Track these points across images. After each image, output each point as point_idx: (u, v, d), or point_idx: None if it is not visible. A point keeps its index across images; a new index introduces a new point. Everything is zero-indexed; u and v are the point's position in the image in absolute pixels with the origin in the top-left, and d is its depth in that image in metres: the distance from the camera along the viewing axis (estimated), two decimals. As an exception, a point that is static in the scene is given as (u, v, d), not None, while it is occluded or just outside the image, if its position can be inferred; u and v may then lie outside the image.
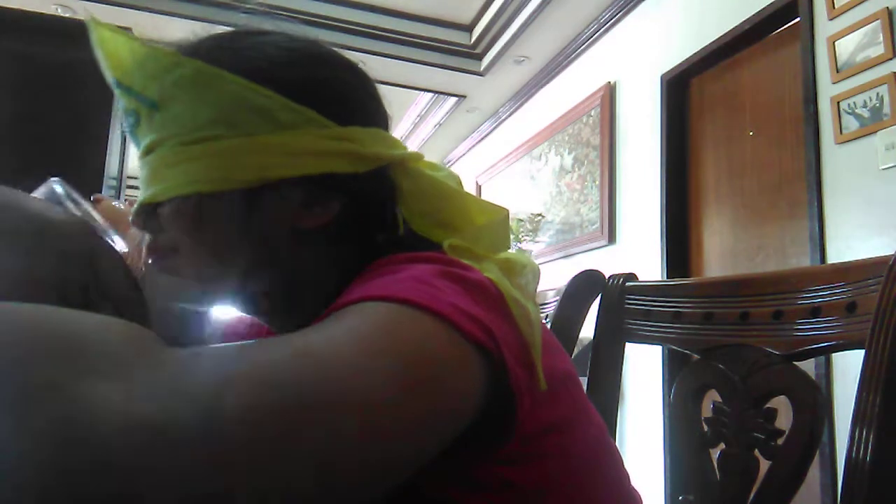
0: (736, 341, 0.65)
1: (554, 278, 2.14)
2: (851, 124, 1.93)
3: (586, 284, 0.86)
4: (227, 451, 0.25)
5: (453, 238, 0.46)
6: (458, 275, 0.40)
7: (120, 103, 0.46)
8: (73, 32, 2.58)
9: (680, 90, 2.81)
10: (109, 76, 0.46)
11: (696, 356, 0.70)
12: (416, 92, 4.65)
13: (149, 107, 0.44)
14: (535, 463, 0.42)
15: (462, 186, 0.51)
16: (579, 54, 3.58)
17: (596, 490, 0.47)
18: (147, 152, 0.45)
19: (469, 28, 3.95)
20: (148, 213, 0.47)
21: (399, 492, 0.34)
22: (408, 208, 0.48)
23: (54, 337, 0.26)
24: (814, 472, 1.86)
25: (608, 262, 3.08)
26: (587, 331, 0.84)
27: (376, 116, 0.50)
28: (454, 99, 4.54)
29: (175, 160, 0.44)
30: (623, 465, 0.52)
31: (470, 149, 5.25)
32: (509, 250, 0.50)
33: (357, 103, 0.49)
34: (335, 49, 0.51)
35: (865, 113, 1.89)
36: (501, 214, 0.50)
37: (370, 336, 0.33)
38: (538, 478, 0.42)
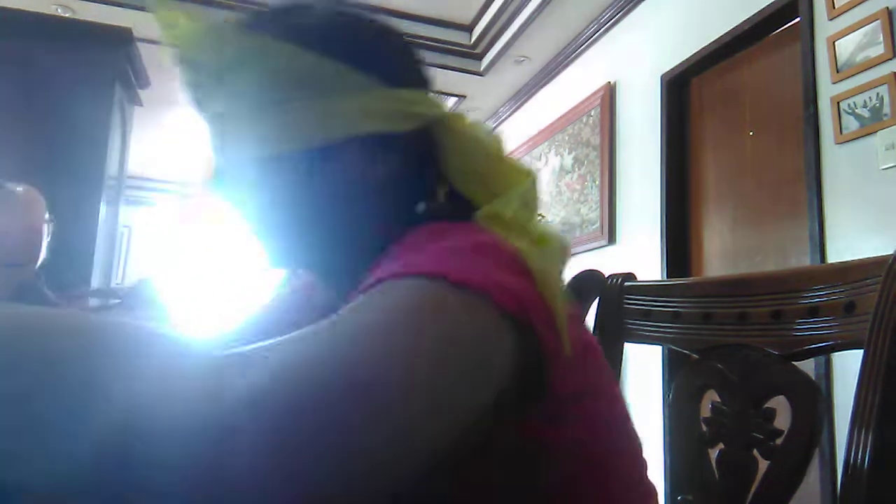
0: (735, 341, 0.65)
1: (554, 278, 2.13)
2: (851, 124, 1.93)
3: (585, 284, 0.86)
4: (278, 440, 0.27)
5: (489, 202, 0.48)
6: (489, 246, 0.41)
7: (182, 76, 0.49)
8: (73, 32, 2.59)
9: (680, 90, 2.81)
10: (172, 51, 0.48)
11: (695, 356, 0.70)
12: (416, 92, 4.65)
13: (214, 78, 0.47)
14: (567, 426, 0.44)
15: (502, 147, 0.52)
16: (579, 54, 3.58)
17: (621, 458, 0.49)
18: (214, 120, 0.49)
19: (469, 28, 3.95)
20: (220, 176, 0.50)
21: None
22: (450, 167, 0.50)
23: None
24: (814, 472, 1.86)
25: (608, 262, 3.08)
26: (586, 331, 0.84)
27: (420, 79, 0.53)
28: (454, 99, 4.54)
29: (242, 126, 0.47)
30: (642, 451, 0.53)
31: (470, 149, 5.25)
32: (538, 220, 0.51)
33: (403, 67, 0.52)
34: (379, 17, 0.54)
35: (865, 113, 1.89)
36: (530, 177, 0.51)
37: (408, 315, 0.34)
38: (569, 440, 0.44)
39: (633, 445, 0.52)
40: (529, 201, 0.50)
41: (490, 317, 0.36)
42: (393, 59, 0.51)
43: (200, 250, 7.43)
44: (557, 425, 0.43)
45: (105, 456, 0.27)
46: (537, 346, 0.38)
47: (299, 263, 0.55)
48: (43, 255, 1.59)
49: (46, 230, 1.59)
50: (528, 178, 0.51)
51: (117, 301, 1.20)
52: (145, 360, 0.29)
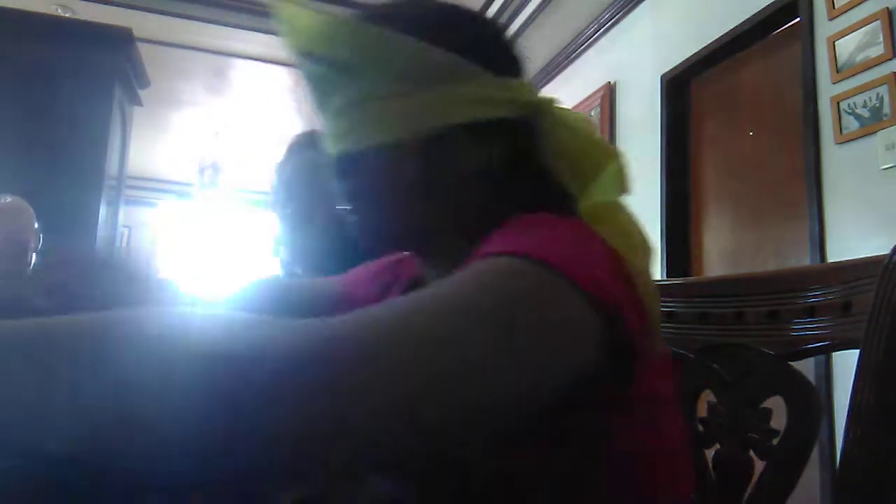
0: (731, 341, 0.65)
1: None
2: (851, 124, 1.92)
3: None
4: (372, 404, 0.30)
5: (583, 185, 0.51)
6: (591, 242, 0.44)
7: (304, 70, 0.52)
8: (73, 32, 2.59)
9: (680, 90, 2.81)
10: (294, 47, 0.51)
11: (690, 356, 0.69)
12: (417, 92, 4.65)
13: (336, 71, 0.49)
14: (640, 428, 0.46)
15: (594, 129, 0.54)
16: (579, 54, 3.58)
17: (675, 468, 0.50)
18: (335, 111, 0.51)
19: (469, 28, 3.95)
20: (339, 164, 0.53)
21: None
22: (547, 152, 0.52)
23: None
24: (813, 472, 1.86)
25: (608, 263, 3.07)
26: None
27: (518, 67, 0.56)
28: (454, 99, 4.54)
29: (362, 116, 0.49)
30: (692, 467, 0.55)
31: (470, 149, 5.25)
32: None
33: (506, 57, 0.55)
34: (483, 14, 0.57)
35: (865, 113, 1.88)
36: (618, 157, 0.52)
37: (496, 280, 0.37)
38: (635, 441, 0.46)
39: (688, 458, 0.53)
40: (622, 178, 0.51)
41: (579, 306, 0.38)
42: (494, 47, 0.54)
43: (204, 250, 7.42)
44: (629, 423, 0.45)
45: (99, 447, 0.27)
46: (626, 346, 0.40)
47: (402, 244, 0.57)
48: (33, 263, 1.59)
49: (35, 240, 1.59)
50: (616, 159, 0.52)
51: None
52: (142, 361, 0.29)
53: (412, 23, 0.50)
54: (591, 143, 0.52)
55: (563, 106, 0.54)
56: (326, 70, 0.50)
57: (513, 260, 0.39)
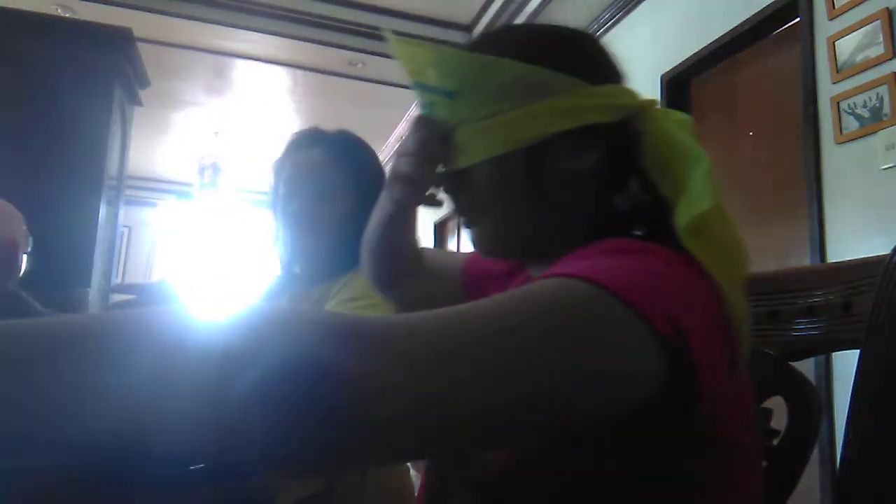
0: (732, 341, 0.65)
1: (553, 278, 2.13)
2: (851, 124, 1.92)
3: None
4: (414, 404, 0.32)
5: (676, 189, 0.51)
6: (664, 268, 0.44)
7: (418, 98, 0.57)
8: (73, 32, 2.59)
9: (680, 90, 2.81)
10: (409, 78, 0.57)
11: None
12: (417, 92, 4.65)
13: (446, 97, 0.54)
14: (709, 474, 0.45)
15: (687, 131, 0.55)
16: (579, 54, 3.58)
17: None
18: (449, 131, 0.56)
19: (469, 28, 3.95)
20: (453, 179, 0.57)
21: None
22: (645, 157, 0.54)
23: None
24: (813, 472, 1.86)
25: (608, 262, 3.07)
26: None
27: (617, 74, 0.58)
28: (454, 99, 4.54)
29: (473, 134, 0.54)
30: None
31: (470, 149, 5.25)
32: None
33: (602, 66, 0.58)
34: (574, 28, 0.61)
35: (865, 113, 1.89)
36: (707, 161, 0.52)
37: (549, 303, 0.38)
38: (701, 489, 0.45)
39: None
40: (712, 182, 0.51)
41: (633, 332, 0.38)
42: (589, 59, 0.57)
43: (204, 250, 7.41)
44: (695, 464, 0.44)
45: (102, 447, 0.28)
46: (689, 381, 0.39)
47: (517, 253, 0.60)
48: (24, 266, 1.59)
49: (25, 242, 1.59)
50: (703, 162, 0.52)
51: (132, 297, 1.19)
52: (141, 358, 0.29)
53: (512, 46, 0.55)
54: (681, 147, 0.53)
55: (664, 109, 0.57)
56: (435, 97, 0.55)
57: (569, 281, 0.40)
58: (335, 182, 1.13)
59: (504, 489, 0.48)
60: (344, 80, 4.37)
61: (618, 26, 3.25)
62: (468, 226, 0.58)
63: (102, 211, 2.47)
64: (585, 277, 0.39)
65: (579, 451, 0.45)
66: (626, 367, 0.38)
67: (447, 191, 0.59)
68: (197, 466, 0.31)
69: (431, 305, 0.36)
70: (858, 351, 0.52)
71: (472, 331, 0.35)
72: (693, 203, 0.48)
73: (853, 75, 1.93)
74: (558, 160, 0.53)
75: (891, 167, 1.81)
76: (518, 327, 0.36)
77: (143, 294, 1.16)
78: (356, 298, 1.02)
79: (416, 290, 0.77)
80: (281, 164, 1.18)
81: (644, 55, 3.00)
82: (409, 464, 1.24)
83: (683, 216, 0.48)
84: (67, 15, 3.43)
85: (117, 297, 1.61)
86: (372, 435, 0.31)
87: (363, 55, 3.97)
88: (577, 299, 0.38)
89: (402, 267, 0.76)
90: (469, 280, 0.75)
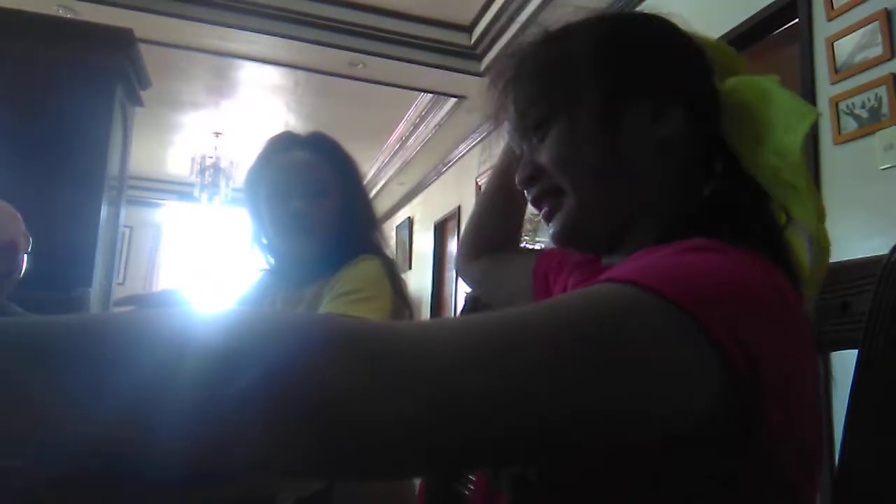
0: (731, 341, 0.65)
1: (553, 278, 2.13)
2: (850, 125, 1.93)
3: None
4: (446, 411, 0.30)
5: (764, 159, 0.49)
6: (752, 286, 0.39)
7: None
8: (74, 33, 2.59)
9: (680, 91, 2.81)
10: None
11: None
12: (416, 92, 4.66)
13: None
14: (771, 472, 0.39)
15: (780, 86, 0.53)
16: (579, 55, 3.57)
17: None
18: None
19: (469, 29, 3.95)
20: (530, 141, 0.56)
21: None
22: (734, 132, 0.52)
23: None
24: (813, 472, 1.86)
25: (608, 263, 3.07)
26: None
27: (696, 51, 0.59)
28: (454, 99, 4.54)
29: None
30: None
31: (470, 149, 5.25)
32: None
33: (680, 44, 0.59)
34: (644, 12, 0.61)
35: (864, 113, 1.89)
36: (811, 117, 0.50)
37: (584, 310, 0.35)
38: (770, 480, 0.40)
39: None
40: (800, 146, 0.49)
41: (689, 345, 0.33)
42: (665, 42, 0.57)
43: (205, 250, 7.41)
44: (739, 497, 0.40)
45: (104, 448, 0.27)
46: (759, 405, 0.35)
47: (587, 236, 0.56)
48: (24, 267, 1.59)
49: (25, 243, 1.59)
50: (809, 119, 0.49)
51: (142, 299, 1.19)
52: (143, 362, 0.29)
53: (593, 35, 0.55)
54: (779, 105, 0.51)
55: (752, 76, 0.55)
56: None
57: (619, 287, 0.36)
58: (327, 181, 1.14)
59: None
60: (344, 80, 4.37)
61: (618, 27, 3.25)
62: (548, 216, 0.56)
63: (104, 211, 2.47)
64: (646, 285, 0.35)
65: (612, 475, 0.41)
66: (680, 382, 0.34)
67: (523, 170, 0.56)
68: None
69: (499, 288, 0.35)
70: (857, 351, 0.53)
71: (496, 338, 0.32)
72: (782, 176, 0.48)
73: (852, 76, 1.93)
74: (636, 123, 0.52)
75: (889, 167, 1.81)
76: (543, 336, 0.32)
77: (151, 303, 1.16)
78: (350, 292, 1.03)
79: (493, 268, 0.77)
80: (261, 167, 1.18)
81: (644, 56, 3.00)
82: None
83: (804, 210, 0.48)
84: (69, 16, 3.44)
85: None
86: (370, 445, 0.29)
87: (363, 56, 3.97)
88: (622, 309, 0.34)
89: (499, 237, 0.77)
90: (539, 270, 0.71)
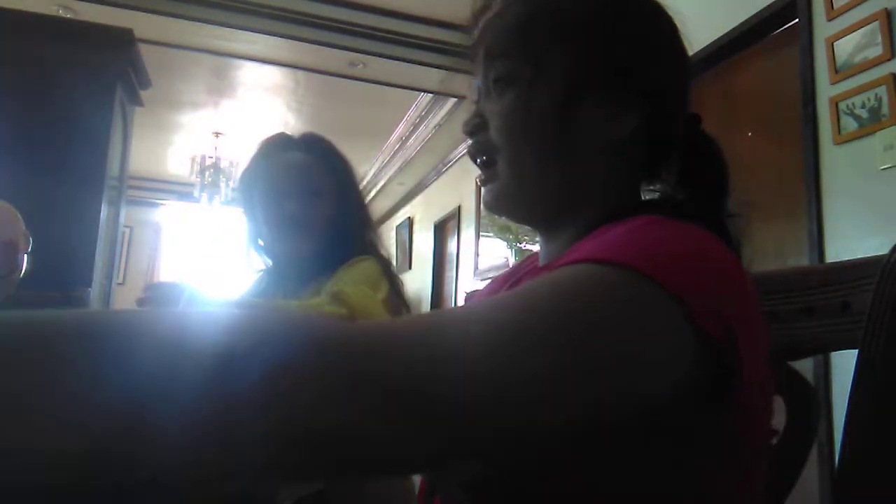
0: (731, 341, 0.65)
1: (553, 278, 2.13)
2: (850, 125, 1.93)
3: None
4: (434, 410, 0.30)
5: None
6: (703, 246, 0.41)
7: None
8: (74, 33, 2.59)
9: (679, 91, 2.81)
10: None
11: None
12: (416, 92, 4.66)
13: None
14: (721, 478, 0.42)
15: None
16: (579, 55, 3.57)
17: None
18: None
19: (469, 29, 3.95)
20: (480, 126, 0.56)
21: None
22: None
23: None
24: (812, 472, 1.86)
25: (608, 263, 3.07)
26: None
27: (674, 47, 0.60)
28: (454, 99, 4.54)
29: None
30: None
31: (470, 149, 5.25)
32: None
33: (645, 28, 0.57)
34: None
35: (864, 113, 1.89)
36: None
37: (564, 297, 0.35)
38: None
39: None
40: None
41: (671, 317, 0.35)
42: (642, 28, 0.56)
43: (205, 250, 7.42)
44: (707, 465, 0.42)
45: (102, 457, 0.27)
46: (735, 369, 0.37)
47: (517, 205, 0.56)
48: (24, 266, 1.59)
49: (25, 243, 1.59)
50: None
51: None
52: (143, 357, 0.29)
53: (561, 15, 0.53)
54: None
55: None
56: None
57: (597, 268, 0.36)
58: (321, 181, 1.15)
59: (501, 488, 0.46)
60: (344, 80, 4.38)
61: (617, 27, 3.25)
62: (483, 181, 0.56)
63: (104, 211, 2.47)
64: (619, 262, 0.36)
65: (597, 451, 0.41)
66: (663, 360, 0.35)
67: (471, 120, 0.57)
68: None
69: None
70: (857, 351, 0.53)
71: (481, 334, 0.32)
72: None
73: (852, 76, 1.93)
74: (590, 119, 0.51)
75: (889, 167, 1.81)
76: (534, 332, 0.33)
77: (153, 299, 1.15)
78: (351, 285, 1.04)
79: None
80: (255, 169, 1.18)
81: (644, 56, 3.00)
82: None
83: None
84: (68, 16, 3.44)
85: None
86: (361, 449, 0.29)
87: (364, 56, 3.97)
88: (606, 288, 0.35)
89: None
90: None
